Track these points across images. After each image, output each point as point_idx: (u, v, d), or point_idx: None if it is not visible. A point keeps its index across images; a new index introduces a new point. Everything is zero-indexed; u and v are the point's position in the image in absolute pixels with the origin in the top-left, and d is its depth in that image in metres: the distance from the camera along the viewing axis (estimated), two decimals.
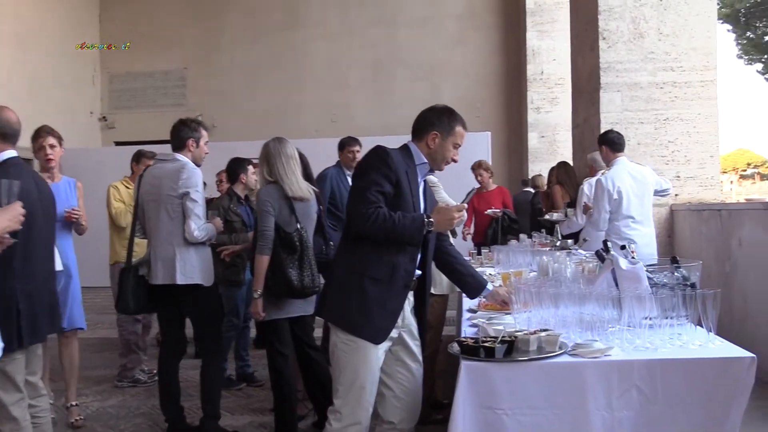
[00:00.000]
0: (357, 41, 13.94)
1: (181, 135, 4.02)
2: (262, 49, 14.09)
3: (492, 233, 6.89)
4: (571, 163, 7.38)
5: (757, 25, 25.86)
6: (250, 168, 5.21)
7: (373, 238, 2.70)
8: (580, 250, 4.68)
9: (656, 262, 3.03)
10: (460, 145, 2.91)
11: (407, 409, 2.89)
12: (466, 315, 3.22)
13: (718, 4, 17.36)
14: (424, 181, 3.00)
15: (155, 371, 4.94)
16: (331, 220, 5.08)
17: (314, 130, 13.19)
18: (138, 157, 5.59)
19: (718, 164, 6.74)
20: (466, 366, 2.29)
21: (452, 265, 3.17)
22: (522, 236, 5.82)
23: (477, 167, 7.21)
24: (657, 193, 5.62)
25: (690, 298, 2.38)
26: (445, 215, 2.72)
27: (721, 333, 2.44)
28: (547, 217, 5.93)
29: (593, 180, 6.12)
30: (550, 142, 12.44)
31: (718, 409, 2.21)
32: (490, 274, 4.43)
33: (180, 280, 3.89)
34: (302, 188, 3.92)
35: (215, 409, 4.05)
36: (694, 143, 6.61)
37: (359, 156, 5.32)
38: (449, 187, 4.73)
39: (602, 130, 6.44)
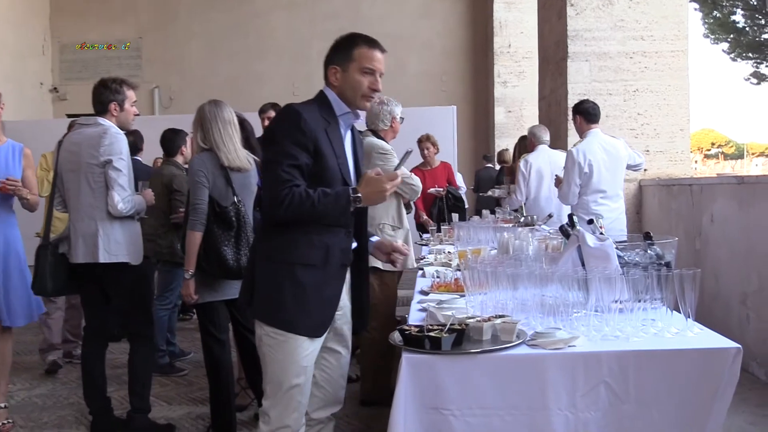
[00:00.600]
0: (320, 11, 13.44)
1: (102, 98, 3.59)
2: (220, 17, 13.51)
3: (437, 212, 6.54)
4: None
5: (724, 4, 25.86)
6: (189, 138, 4.80)
7: (294, 222, 2.30)
8: (544, 227, 4.39)
9: (627, 239, 2.73)
10: (373, 70, 2.35)
11: (326, 398, 2.50)
12: (416, 297, 2.89)
13: None
14: (352, 132, 2.52)
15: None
16: None
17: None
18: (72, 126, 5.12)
19: (689, 138, 6.51)
20: (408, 359, 1.95)
21: None
22: (485, 212, 5.52)
23: (425, 140, 6.74)
24: (630, 167, 5.36)
25: (666, 280, 2.08)
26: (375, 186, 2.25)
27: None
28: (489, 193, 5.69)
29: (531, 156, 5.93)
30: (517, 117, 12.17)
31: (698, 409, 1.90)
32: (449, 252, 4.13)
33: (103, 258, 3.49)
34: (240, 157, 3.50)
35: (143, 401, 3.68)
36: (664, 116, 6.36)
37: None
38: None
39: (570, 102, 6.17)
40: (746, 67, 27.50)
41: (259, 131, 3.93)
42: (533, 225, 4.43)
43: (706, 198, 4.97)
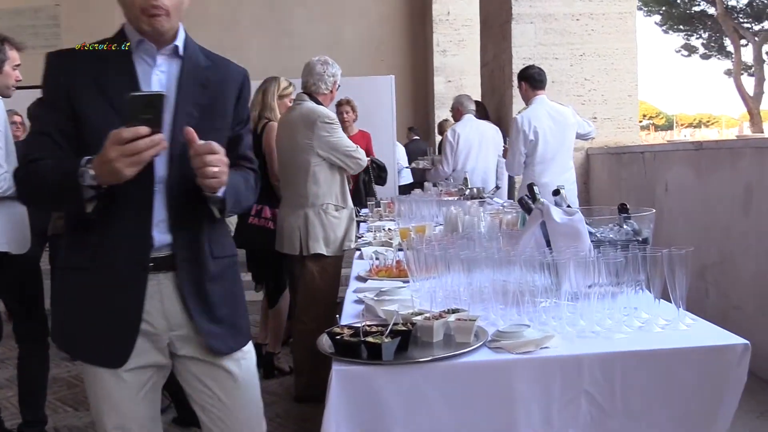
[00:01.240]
0: None
1: None
2: None
3: (363, 185, 6.00)
4: None
5: None
6: None
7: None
8: (495, 199, 4.02)
9: (597, 213, 2.37)
10: None
11: None
12: (353, 285, 2.45)
13: None
14: (183, 65, 1.72)
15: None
16: None
17: None
18: None
19: (637, 104, 6.24)
20: (339, 372, 1.52)
21: None
22: (427, 185, 5.12)
23: (345, 103, 6.12)
24: (579, 136, 5.05)
25: (653, 261, 1.71)
26: (101, 156, 1.46)
27: None
28: (413, 165, 5.33)
29: (458, 126, 5.64)
30: (457, 87, 11.76)
31: (698, 421, 1.55)
32: (390, 229, 3.72)
33: None
34: None
35: (37, 412, 3.15)
36: (612, 81, 6.07)
37: None
38: None
39: (514, 67, 5.81)
40: (678, 39, 27.95)
41: None
42: (482, 197, 4.06)
43: (659, 166, 4.69)
